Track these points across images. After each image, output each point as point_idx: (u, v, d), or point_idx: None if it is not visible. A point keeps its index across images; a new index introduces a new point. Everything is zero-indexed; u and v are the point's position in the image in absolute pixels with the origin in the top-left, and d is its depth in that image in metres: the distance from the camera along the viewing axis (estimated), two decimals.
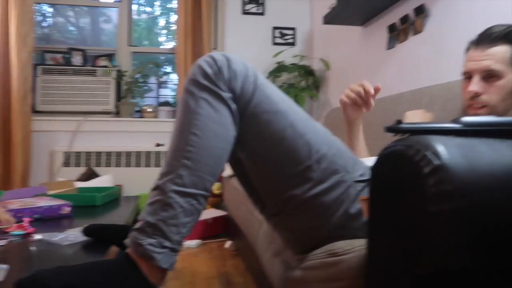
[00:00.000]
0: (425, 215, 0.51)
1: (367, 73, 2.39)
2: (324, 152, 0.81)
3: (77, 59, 3.08)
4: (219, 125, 0.77)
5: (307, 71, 3.03)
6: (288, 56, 3.14)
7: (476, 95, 0.99)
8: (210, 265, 2.01)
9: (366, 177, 0.83)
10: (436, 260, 0.52)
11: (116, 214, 1.63)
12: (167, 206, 0.73)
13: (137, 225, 0.75)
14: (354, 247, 0.74)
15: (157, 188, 0.76)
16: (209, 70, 0.78)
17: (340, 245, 0.76)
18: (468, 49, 1.06)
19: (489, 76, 0.98)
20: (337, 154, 0.83)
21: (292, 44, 3.28)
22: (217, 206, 2.82)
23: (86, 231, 1.11)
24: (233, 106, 0.79)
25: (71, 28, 3.65)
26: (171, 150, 0.77)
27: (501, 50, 0.97)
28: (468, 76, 1.03)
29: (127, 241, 0.76)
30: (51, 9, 3.39)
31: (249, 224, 1.49)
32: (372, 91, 1.07)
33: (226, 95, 0.78)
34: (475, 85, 0.99)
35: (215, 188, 2.74)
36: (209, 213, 2.59)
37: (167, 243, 0.74)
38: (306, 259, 0.83)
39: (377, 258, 0.63)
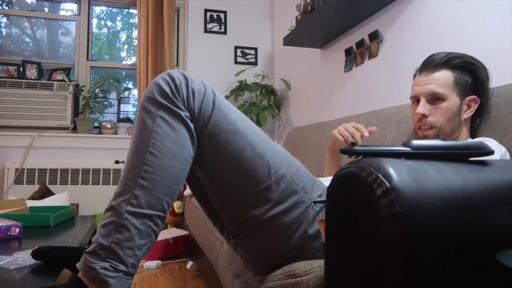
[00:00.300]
0: (378, 236, 0.53)
1: (326, 94, 2.46)
2: (283, 173, 0.82)
3: (31, 72, 2.97)
4: (177, 145, 0.76)
5: (268, 91, 3.07)
6: (250, 75, 3.18)
7: (423, 117, 1.06)
8: (171, 286, 1.95)
9: (325, 197, 0.85)
10: (391, 281, 0.53)
11: (70, 235, 1.56)
12: (122, 228, 0.71)
13: (90, 247, 0.72)
14: (313, 268, 0.75)
15: (111, 208, 0.73)
16: (166, 88, 0.77)
17: (300, 266, 0.77)
18: (414, 76, 1.15)
19: (434, 98, 1.06)
20: (296, 175, 0.84)
21: (254, 63, 3.32)
22: (178, 225, 2.77)
23: (35, 254, 1.05)
24: (191, 125, 0.78)
25: (27, 39, 3.53)
26: (126, 170, 0.75)
27: (443, 75, 1.05)
28: (415, 99, 1.11)
29: (78, 264, 0.73)
30: (4, 19, 3.27)
31: (210, 244, 1.47)
32: (366, 134, 1.09)
33: (184, 113, 0.77)
34: (422, 107, 1.06)
35: (177, 207, 2.69)
36: (170, 233, 2.53)
37: (121, 267, 0.71)
38: (266, 281, 0.82)
39: (334, 279, 0.64)
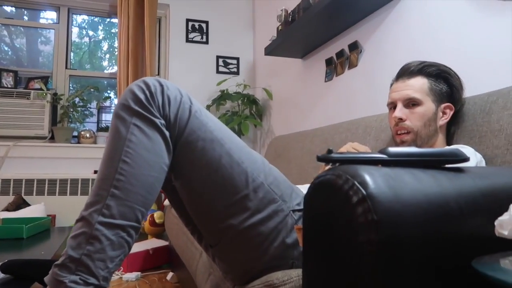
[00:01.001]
0: (355, 245, 0.52)
1: (307, 103, 2.47)
2: (261, 181, 0.81)
3: (7, 80, 2.90)
4: (152, 153, 0.74)
5: (250, 100, 3.07)
6: (232, 84, 3.18)
7: (400, 121, 1.08)
8: None
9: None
10: None
11: (44, 247, 1.51)
12: (93, 239, 0.69)
13: (59, 260, 0.69)
14: (291, 278, 0.73)
15: (82, 219, 0.71)
16: (141, 95, 0.76)
17: (278, 275, 0.75)
18: (391, 85, 1.17)
19: (410, 103, 1.08)
20: (274, 183, 0.83)
21: (236, 73, 3.32)
22: (159, 236, 2.72)
23: (4, 268, 1.01)
24: (167, 133, 0.77)
25: (6, 48, 3.46)
26: (98, 179, 0.73)
27: (418, 81, 1.09)
28: (392, 106, 1.13)
29: (47, 278, 0.70)
30: None
31: (189, 254, 1.44)
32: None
33: (159, 121, 0.76)
34: (399, 111, 1.09)
35: (157, 217, 2.65)
36: (150, 244, 2.48)
37: (92, 280, 0.68)
38: None
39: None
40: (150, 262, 2.38)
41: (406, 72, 1.12)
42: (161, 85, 0.78)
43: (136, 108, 0.75)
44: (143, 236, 2.79)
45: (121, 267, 2.28)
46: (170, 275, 2.21)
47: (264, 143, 3.16)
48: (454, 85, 1.09)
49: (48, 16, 3.40)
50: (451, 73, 1.10)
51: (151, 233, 2.68)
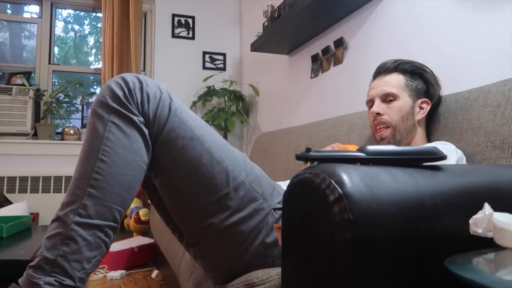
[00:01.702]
0: (331, 244, 0.52)
1: (293, 100, 2.47)
2: (242, 179, 0.80)
3: None
4: (130, 151, 0.73)
5: (237, 96, 3.06)
6: (218, 80, 3.16)
7: (378, 115, 1.11)
8: None
9: None
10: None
11: (24, 247, 1.48)
12: (68, 240, 0.67)
13: (34, 261, 0.68)
14: (271, 276, 0.73)
15: (57, 219, 0.69)
16: (119, 92, 0.74)
17: (257, 274, 0.75)
18: (370, 84, 1.20)
19: (387, 98, 1.11)
20: (255, 181, 0.83)
21: (222, 69, 3.30)
22: (144, 233, 2.70)
23: None
24: (146, 130, 0.75)
25: None
26: (75, 178, 0.72)
27: (394, 78, 1.12)
28: (371, 104, 1.16)
29: (21, 280, 0.68)
30: None
31: (173, 252, 1.43)
32: None
33: (138, 119, 0.74)
34: (377, 106, 1.11)
35: (143, 214, 2.62)
36: (135, 241, 2.47)
37: (68, 281, 0.67)
38: None
39: (290, 286, 0.62)
40: (135, 260, 2.36)
41: (382, 70, 1.15)
42: (140, 82, 0.77)
43: (114, 105, 0.74)
44: (128, 234, 2.77)
45: (106, 265, 2.26)
46: (155, 273, 2.19)
47: (250, 139, 3.16)
48: (429, 81, 1.12)
49: (33, 10, 3.33)
50: (426, 69, 1.13)
51: (136, 230, 2.66)
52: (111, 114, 0.73)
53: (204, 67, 3.25)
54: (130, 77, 0.77)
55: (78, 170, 0.72)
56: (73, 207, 0.69)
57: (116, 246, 2.33)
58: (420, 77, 1.12)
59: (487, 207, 0.49)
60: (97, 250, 0.70)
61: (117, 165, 0.71)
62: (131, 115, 0.74)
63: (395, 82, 1.10)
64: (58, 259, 0.66)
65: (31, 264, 0.68)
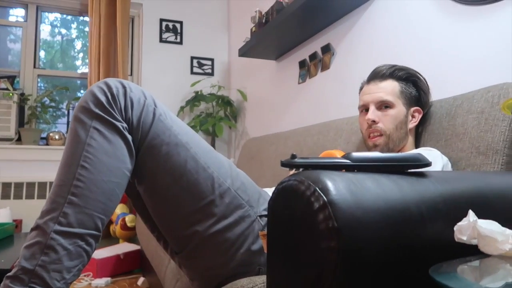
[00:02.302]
0: (316, 252, 0.51)
1: (281, 105, 2.47)
2: (228, 186, 0.79)
3: None
4: (112, 158, 0.71)
5: (224, 101, 3.05)
6: (206, 85, 3.15)
7: (373, 123, 1.08)
8: None
9: None
10: None
11: (5, 255, 1.45)
12: (48, 249, 0.65)
13: (11, 272, 0.66)
14: (256, 285, 0.72)
15: (37, 227, 0.67)
16: (102, 98, 0.73)
17: (243, 283, 0.74)
18: (361, 88, 1.18)
19: (383, 105, 1.09)
20: (241, 188, 0.82)
21: (210, 74, 3.29)
22: (130, 240, 2.66)
23: None
24: (129, 137, 0.74)
25: None
26: (55, 185, 0.70)
27: (390, 85, 1.10)
28: (364, 108, 1.13)
29: None
30: None
31: (158, 260, 1.41)
32: None
33: (121, 125, 0.73)
34: (372, 114, 1.08)
35: (129, 221, 2.59)
36: (121, 248, 2.43)
37: None
38: None
39: None
40: (121, 267, 2.32)
41: (377, 75, 1.12)
42: (124, 87, 0.76)
43: (97, 111, 0.72)
44: (114, 240, 2.73)
45: (90, 273, 2.22)
46: (141, 280, 2.16)
47: (238, 144, 3.15)
48: (422, 89, 1.11)
49: (18, 13, 3.28)
50: (420, 77, 1.12)
51: (123, 237, 2.62)
52: (93, 120, 0.72)
53: (192, 72, 3.24)
54: (113, 82, 0.75)
55: (59, 177, 0.70)
56: (53, 215, 0.67)
57: (102, 253, 2.29)
58: (413, 85, 1.11)
59: (471, 214, 0.49)
60: (78, 259, 0.68)
61: (99, 172, 0.70)
62: (114, 121, 0.72)
63: (391, 89, 1.09)
64: (36, 269, 0.64)
65: (8, 274, 0.66)
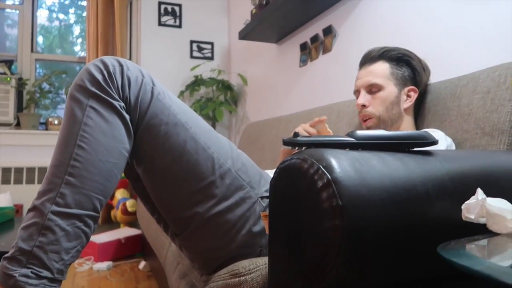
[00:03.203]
0: (320, 231, 0.50)
1: (282, 89, 2.44)
2: (228, 167, 0.78)
3: None
4: (110, 138, 0.70)
5: (225, 86, 3.02)
6: (206, 70, 3.11)
7: (363, 108, 1.10)
8: None
9: None
10: (334, 276, 0.51)
11: (5, 238, 1.44)
12: (45, 230, 0.64)
13: (9, 253, 0.65)
14: (258, 266, 0.71)
15: (34, 208, 0.66)
16: (98, 76, 0.71)
17: (244, 264, 0.73)
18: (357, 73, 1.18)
19: (372, 89, 1.10)
20: (242, 169, 0.80)
21: (210, 58, 3.25)
22: (131, 224, 2.66)
23: None
24: (127, 116, 0.72)
25: None
26: (51, 165, 0.68)
27: (380, 67, 1.10)
28: (358, 93, 1.14)
29: None
30: None
31: (159, 243, 1.40)
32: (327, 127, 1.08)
33: (118, 104, 0.71)
34: (362, 98, 1.10)
35: (130, 205, 2.59)
36: (122, 232, 2.43)
37: (45, 273, 0.64)
38: (211, 281, 0.78)
39: (278, 275, 0.60)
40: (122, 251, 2.33)
41: (367, 59, 1.13)
42: (121, 65, 0.73)
43: (93, 89, 0.70)
44: (115, 225, 2.73)
45: (92, 257, 2.23)
46: (142, 264, 2.17)
47: (239, 129, 3.13)
48: (416, 68, 1.10)
49: None
50: (412, 56, 1.11)
51: (124, 221, 2.63)
52: (89, 99, 0.70)
53: (192, 56, 3.20)
54: (110, 60, 0.73)
55: (55, 157, 0.69)
56: (50, 195, 0.66)
57: (103, 238, 2.30)
58: (406, 64, 1.10)
59: (480, 193, 0.48)
60: (76, 240, 0.67)
61: (96, 152, 0.68)
62: (111, 100, 0.70)
63: (380, 71, 1.09)
64: (34, 250, 0.63)
65: (5, 255, 0.65)
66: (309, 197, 0.51)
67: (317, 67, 2.04)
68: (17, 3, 3.11)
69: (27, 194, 2.68)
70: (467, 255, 0.36)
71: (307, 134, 1.08)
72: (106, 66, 0.72)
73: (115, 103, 0.71)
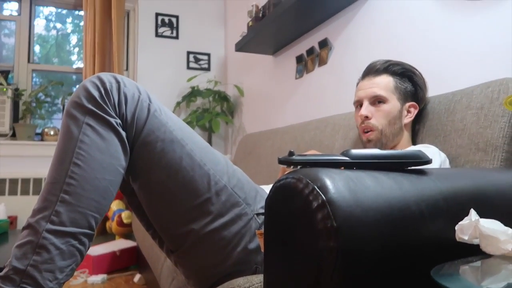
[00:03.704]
0: (314, 251, 0.50)
1: (278, 100, 2.46)
2: (224, 184, 0.78)
3: None
4: (106, 155, 0.70)
5: (221, 97, 3.03)
6: (203, 80, 3.12)
7: (366, 119, 1.09)
8: None
9: None
10: None
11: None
12: (40, 249, 0.64)
13: (2, 272, 0.64)
14: (253, 284, 0.71)
15: (28, 226, 0.66)
16: (95, 93, 0.71)
17: (239, 282, 0.73)
18: (357, 84, 1.17)
19: (376, 101, 1.08)
20: (238, 185, 0.80)
21: (207, 69, 3.27)
22: (127, 236, 2.64)
23: None
24: (123, 133, 0.72)
25: None
26: (47, 183, 0.68)
27: (384, 80, 1.09)
28: (359, 104, 1.13)
29: None
30: None
31: (154, 257, 1.40)
32: None
33: (115, 120, 0.71)
34: (365, 109, 1.08)
35: (125, 217, 2.57)
36: (117, 244, 2.41)
37: None
38: None
39: None
40: (117, 264, 2.31)
41: (372, 71, 1.12)
42: (118, 82, 0.74)
43: (90, 106, 0.71)
44: (110, 237, 2.71)
45: (86, 270, 2.21)
46: (137, 277, 2.15)
47: (235, 140, 3.13)
48: (418, 84, 1.10)
49: (13, 7, 3.24)
50: (415, 72, 1.11)
51: (119, 233, 2.61)
52: (86, 116, 0.70)
53: (188, 67, 3.21)
54: (107, 76, 0.74)
55: (51, 175, 0.69)
56: (45, 213, 0.65)
57: (98, 250, 2.28)
58: (409, 80, 1.10)
59: (473, 214, 0.48)
60: (70, 259, 0.67)
61: (92, 169, 0.68)
62: (107, 117, 0.71)
63: (384, 84, 1.08)
64: (28, 269, 0.63)
65: None
66: (304, 217, 0.51)
67: (313, 79, 2.06)
68: (15, 12, 3.12)
69: (22, 206, 2.66)
70: (460, 280, 0.36)
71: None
72: (103, 82, 0.72)
73: (112, 120, 0.71)
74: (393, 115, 1.07)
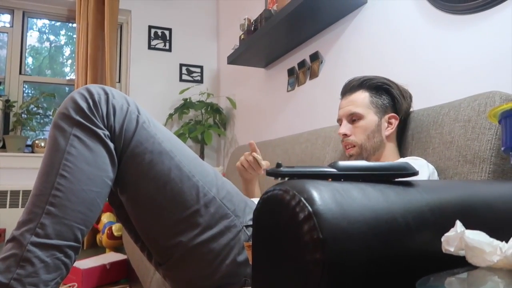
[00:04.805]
0: (301, 264, 0.50)
1: (270, 113, 2.46)
2: (213, 195, 0.78)
3: None
4: (93, 166, 0.69)
5: (213, 109, 3.04)
6: (195, 93, 3.13)
7: (345, 137, 1.12)
8: None
9: None
10: None
11: None
12: (24, 262, 0.63)
13: None
14: None
15: (13, 239, 0.65)
16: (83, 104, 0.71)
17: None
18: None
19: (353, 118, 1.11)
20: (227, 197, 0.80)
21: (199, 81, 3.28)
22: (117, 249, 2.61)
23: None
24: (111, 144, 0.72)
25: None
26: (32, 195, 0.68)
27: (360, 96, 1.12)
28: (341, 122, 1.16)
29: None
30: None
31: (144, 270, 1.38)
32: (259, 158, 1.21)
33: (103, 132, 0.71)
34: (343, 127, 1.12)
35: (116, 230, 2.54)
36: (107, 258, 2.38)
37: None
38: None
39: None
40: (107, 277, 2.27)
41: (347, 88, 1.16)
42: (106, 93, 0.74)
43: (77, 118, 0.70)
44: (101, 250, 2.68)
45: (75, 284, 2.17)
46: None
47: (227, 152, 3.13)
48: (396, 96, 1.12)
49: (4, 19, 3.23)
50: (391, 84, 1.13)
51: (109, 246, 2.58)
52: (73, 127, 0.70)
53: (181, 80, 3.22)
54: (95, 88, 0.73)
55: (37, 187, 0.68)
56: (29, 226, 0.65)
57: (87, 263, 2.24)
58: (386, 92, 1.12)
59: (458, 225, 0.48)
60: (55, 272, 0.66)
61: (79, 181, 0.68)
62: (95, 128, 0.70)
63: (360, 100, 1.11)
64: (11, 282, 0.62)
65: None
66: (290, 229, 0.51)
67: (304, 92, 2.07)
68: (7, 24, 3.12)
69: (10, 218, 2.62)
70: None
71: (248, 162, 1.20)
72: (91, 94, 0.72)
73: (99, 131, 0.71)
74: (371, 129, 1.09)
